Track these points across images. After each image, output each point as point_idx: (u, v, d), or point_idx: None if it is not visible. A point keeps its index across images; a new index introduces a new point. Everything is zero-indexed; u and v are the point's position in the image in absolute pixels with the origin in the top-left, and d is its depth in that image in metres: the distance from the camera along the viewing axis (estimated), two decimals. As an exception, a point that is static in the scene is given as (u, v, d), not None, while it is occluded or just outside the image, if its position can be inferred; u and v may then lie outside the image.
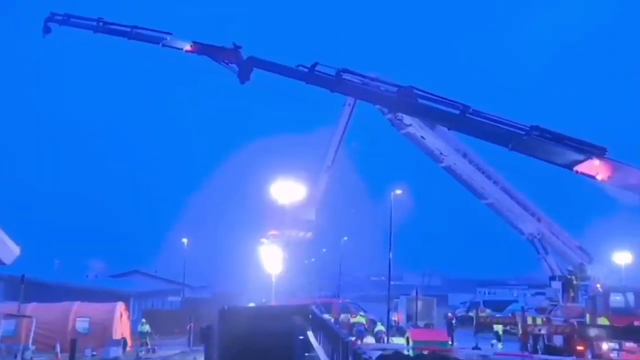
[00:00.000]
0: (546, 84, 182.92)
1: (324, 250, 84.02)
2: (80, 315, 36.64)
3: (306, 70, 23.69)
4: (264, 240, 35.16)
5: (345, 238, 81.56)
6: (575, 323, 28.75)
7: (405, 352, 30.39)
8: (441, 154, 30.64)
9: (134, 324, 41.61)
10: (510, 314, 41.42)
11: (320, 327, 18.62)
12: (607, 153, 19.35)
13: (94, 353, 33.78)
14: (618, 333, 26.02)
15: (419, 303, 42.59)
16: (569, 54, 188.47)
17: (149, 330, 39.59)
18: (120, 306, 38.50)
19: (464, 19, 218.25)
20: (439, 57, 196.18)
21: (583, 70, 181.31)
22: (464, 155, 30.84)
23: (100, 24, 29.99)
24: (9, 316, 31.68)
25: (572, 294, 31.74)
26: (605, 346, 26.27)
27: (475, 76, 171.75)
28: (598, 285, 29.31)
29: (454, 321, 41.77)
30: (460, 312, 59.56)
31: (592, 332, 27.33)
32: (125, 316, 39.02)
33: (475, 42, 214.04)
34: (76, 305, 37.44)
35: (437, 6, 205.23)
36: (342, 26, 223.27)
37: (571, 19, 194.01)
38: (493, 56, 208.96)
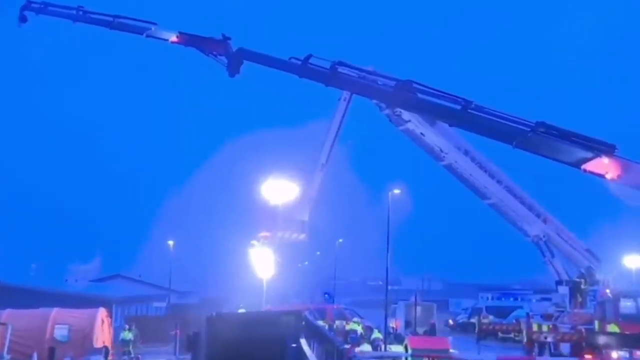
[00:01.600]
0: (572, 85, 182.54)
1: (318, 253, 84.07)
2: (58, 322, 36.47)
3: (299, 62, 23.68)
4: (254, 242, 35.17)
5: (341, 240, 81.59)
6: (583, 330, 28.82)
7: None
8: (441, 151, 30.71)
9: (116, 331, 41.52)
10: (514, 321, 41.56)
11: (314, 334, 18.65)
12: (616, 151, 19.38)
13: (74, 362, 33.69)
14: (629, 341, 26.09)
15: (418, 309, 42.73)
16: (599, 56, 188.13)
17: (132, 338, 39.51)
18: (101, 312, 38.35)
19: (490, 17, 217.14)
20: (455, 56, 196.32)
21: (614, 73, 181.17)
22: (466, 153, 30.91)
23: (80, 12, 29.88)
24: (-17, 323, 31.55)
25: (579, 300, 31.83)
26: (615, 355, 26.35)
27: (500, 76, 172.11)
28: (607, 290, 29.36)
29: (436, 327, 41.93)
30: (461, 318, 59.81)
31: (601, 340, 27.41)
32: (107, 323, 38.89)
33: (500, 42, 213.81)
34: (54, 312, 37.27)
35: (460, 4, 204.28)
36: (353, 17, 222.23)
37: (606, 21, 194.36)
38: (525, 56, 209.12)
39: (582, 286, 31.87)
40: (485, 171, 31.43)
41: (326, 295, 52.35)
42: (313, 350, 17.41)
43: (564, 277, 33.05)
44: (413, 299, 43.46)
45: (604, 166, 19.22)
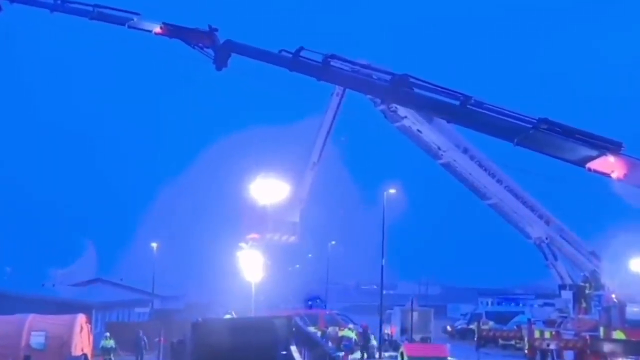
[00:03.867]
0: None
1: (310, 255, 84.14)
2: (35, 329, 36.39)
3: (290, 55, 23.65)
4: (242, 244, 35.14)
5: (333, 242, 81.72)
6: (588, 337, 28.92)
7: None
8: (439, 149, 30.78)
9: (96, 338, 41.46)
10: (515, 327, 41.72)
11: (305, 341, 18.67)
12: (623, 149, 19.43)
13: (51, 371, 33.63)
14: (635, 348, 26.21)
15: (415, 314, 42.78)
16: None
17: (114, 346, 39.46)
18: (80, 318, 38.29)
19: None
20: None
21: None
22: (465, 151, 30.99)
23: (58, 1, 29.74)
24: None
25: (584, 305, 31.93)
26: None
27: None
28: (613, 295, 29.49)
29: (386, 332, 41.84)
30: (460, 324, 59.98)
31: (606, 347, 27.53)
32: (86, 330, 38.83)
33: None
34: (30, 318, 37.18)
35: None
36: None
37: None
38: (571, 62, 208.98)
39: (587, 291, 31.99)
40: (485, 170, 31.51)
41: (318, 300, 52.24)
42: (304, 358, 17.44)
43: (568, 281, 33.17)
44: (409, 304, 43.51)
45: (610, 165, 19.25)
